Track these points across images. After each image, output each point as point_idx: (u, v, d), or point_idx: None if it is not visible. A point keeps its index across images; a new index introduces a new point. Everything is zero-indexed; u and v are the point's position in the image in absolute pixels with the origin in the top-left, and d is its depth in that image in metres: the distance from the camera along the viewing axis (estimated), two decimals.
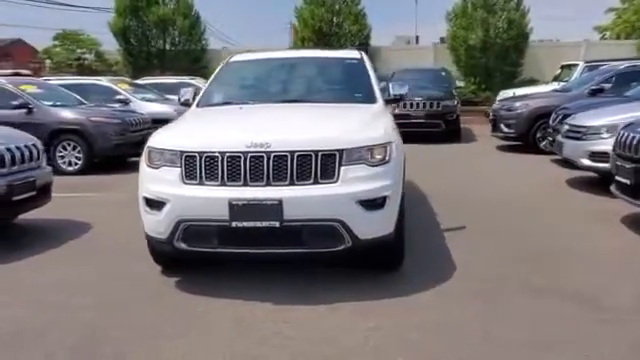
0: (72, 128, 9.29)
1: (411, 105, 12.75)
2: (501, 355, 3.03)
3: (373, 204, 3.68)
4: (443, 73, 14.64)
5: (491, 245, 4.88)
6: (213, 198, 3.57)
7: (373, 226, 3.74)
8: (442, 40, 20.44)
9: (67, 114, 9.40)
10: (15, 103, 9.22)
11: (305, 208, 3.56)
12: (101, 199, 7.31)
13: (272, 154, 3.58)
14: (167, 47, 19.12)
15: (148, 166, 3.89)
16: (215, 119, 4.52)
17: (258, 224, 3.55)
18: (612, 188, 5.42)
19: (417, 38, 32.15)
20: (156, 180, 3.81)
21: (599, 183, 6.76)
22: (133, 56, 19.15)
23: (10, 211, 5.10)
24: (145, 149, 3.97)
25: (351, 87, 5.13)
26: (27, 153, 5.24)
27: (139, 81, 14.19)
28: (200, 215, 3.64)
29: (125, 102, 11.73)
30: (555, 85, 13.55)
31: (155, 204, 3.78)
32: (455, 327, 3.35)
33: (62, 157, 9.31)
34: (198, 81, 14.06)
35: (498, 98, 14.01)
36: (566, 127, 7.43)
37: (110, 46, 20.45)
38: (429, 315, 3.52)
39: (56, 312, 3.64)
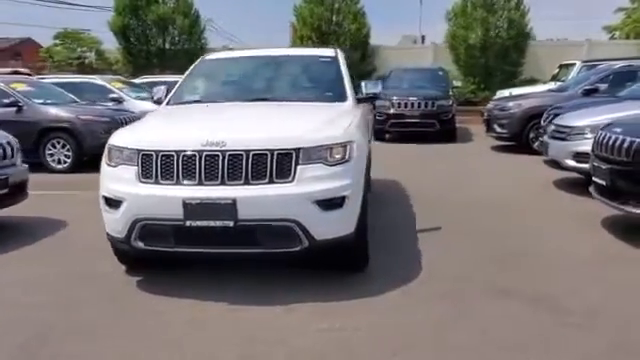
0: (61, 126, 9.31)
1: (405, 105, 12.70)
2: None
3: (330, 204, 3.63)
4: (440, 73, 14.53)
5: (464, 246, 4.83)
6: (167, 197, 3.55)
7: (331, 226, 3.69)
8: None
9: (56, 112, 9.42)
10: (5, 101, 9.26)
11: (260, 208, 3.52)
12: (84, 197, 7.26)
13: (227, 153, 3.54)
14: (167, 46, 19.16)
15: (107, 164, 3.87)
16: (177, 118, 4.50)
17: (212, 223, 3.52)
18: (590, 189, 5.34)
19: (423, 38, 32.04)
20: (114, 179, 3.80)
21: (585, 184, 6.67)
22: (133, 55, 19.19)
23: None
24: (106, 147, 3.95)
25: (322, 85, 5.08)
26: (0, 151, 5.23)
27: (135, 80, 14.22)
28: (155, 214, 3.61)
29: (118, 100, 11.75)
30: (552, 85, 13.42)
31: (113, 203, 3.76)
32: (409, 329, 3.30)
33: (51, 155, 9.33)
34: None
35: (494, 98, 13.90)
36: (552, 127, 7.34)
37: (111, 45, 20.55)
38: (386, 317, 3.47)
39: (10, 310, 3.64)
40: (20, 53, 36.02)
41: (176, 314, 3.55)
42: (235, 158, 3.54)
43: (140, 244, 3.75)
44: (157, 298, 3.81)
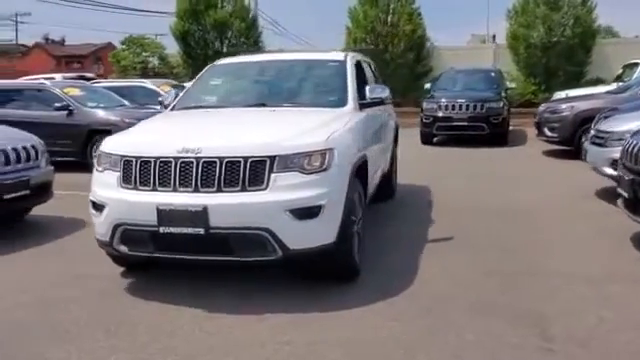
0: (107, 129, 9.67)
1: (453, 107, 12.30)
2: None
3: (305, 213, 3.54)
4: (493, 74, 13.95)
5: (467, 260, 4.57)
6: (143, 203, 3.59)
7: (307, 236, 3.60)
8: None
9: (103, 115, 9.84)
10: (57, 105, 9.79)
11: (231, 216, 3.49)
12: None
13: (201, 160, 3.54)
14: (224, 49, 19.59)
15: (96, 169, 3.97)
16: (167, 124, 4.55)
17: (184, 230, 3.52)
18: (618, 202, 4.92)
19: (494, 37, 30.87)
20: (100, 183, 3.90)
21: None
22: (192, 58, 19.77)
23: (2, 209, 5.36)
24: (97, 152, 4.06)
25: (323, 90, 4.98)
26: (24, 154, 5.51)
27: (186, 83, 14.64)
28: (133, 219, 3.66)
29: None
30: (614, 86, 12.55)
31: (98, 207, 3.86)
32: (378, 347, 3.15)
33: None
34: None
35: (551, 99, 13.18)
36: (592, 132, 6.84)
37: (173, 49, 21.29)
38: (359, 331, 3.34)
39: None
40: (101, 58, 38.15)
41: (147, 318, 3.57)
42: (209, 165, 3.53)
43: (123, 248, 3.83)
44: (135, 301, 3.87)
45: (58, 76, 15.19)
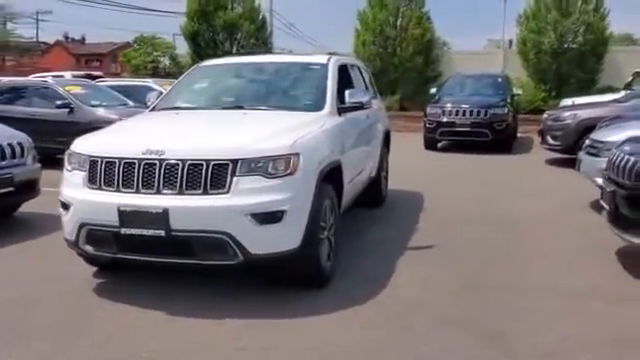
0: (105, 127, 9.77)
1: (457, 112, 12.15)
2: None
3: (268, 218, 3.50)
4: (499, 79, 13.77)
5: (442, 270, 4.48)
6: (105, 203, 3.58)
7: (269, 241, 3.56)
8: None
9: (102, 114, 9.89)
10: (59, 103, 9.89)
11: (191, 219, 3.46)
12: None
13: (164, 162, 3.52)
14: (234, 50, 19.67)
15: (66, 169, 3.98)
16: (139, 125, 4.54)
17: (145, 232, 3.50)
18: (602, 214, 4.80)
19: (510, 42, 30.52)
20: (67, 183, 3.90)
21: None
22: (202, 59, 19.71)
23: None
24: (67, 152, 4.06)
25: (301, 93, 4.93)
26: (8, 151, 5.55)
27: None
28: (96, 220, 3.66)
29: None
30: (622, 94, 12.32)
31: (65, 206, 3.86)
32: (334, 355, 3.11)
33: None
34: None
35: (558, 107, 12.98)
36: (587, 142, 6.70)
37: (184, 50, 21.40)
38: (316, 338, 3.29)
39: None
40: (118, 56, 38.59)
41: (112, 320, 3.56)
42: (172, 167, 3.51)
43: (89, 248, 3.83)
44: (104, 302, 3.85)
45: (67, 74, 15.38)
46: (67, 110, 9.88)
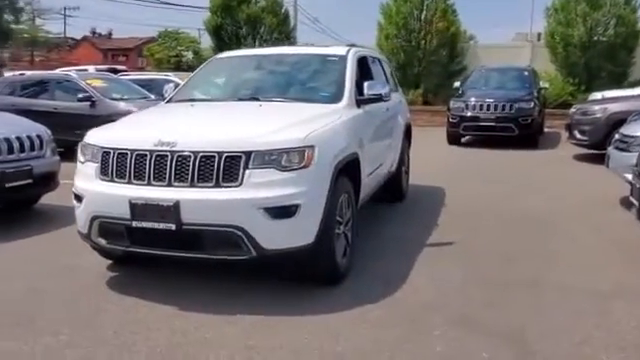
0: None
1: (481, 107, 11.89)
2: None
3: (281, 212, 3.41)
4: (526, 73, 13.41)
5: (461, 268, 4.34)
6: (117, 196, 3.53)
7: (282, 236, 3.46)
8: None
9: (123, 107, 9.90)
10: (81, 96, 9.96)
11: (203, 212, 3.39)
12: None
13: (176, 154, 3.45)
14: (256, 44, 19.61)
15: (79, 160, 3.94)
16: (153, 116, 4.48)
17: (156, 225, 3.44)
18: (632, 211, 4.60)
19: (539, 35, 29.78)
20: (80, 174, 3.87)
21: None
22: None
23: (3, 197, 5.44)
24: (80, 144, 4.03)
25: (319, 85, 4.81)
26: (27, 143, 5.57)
27: None
28: (108, 212, 3.61)
29: None
30: None
31: (77, 198, 3.82)
32: (336, 355, 3.00)
33: None
34: None
35: (587, 100, 12.60)
36: (616, 136, 6.45)
37: (208, 44, 21.42)
38: (324, 338, 3.18)
39: None
40: (144, 51, 38.99)
41: (121, 313, 3.52)
42: (184, 159, 3.44)
43: (102, 241, 3.79)
44: (115, 296, 3.82)
45: (91, 68, 15.53)
46: (89, 103, 9.96)
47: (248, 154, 3.39)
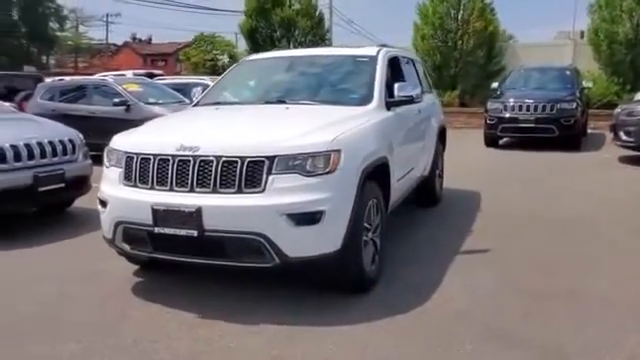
0: None
1: (520, 108, 11.50)
2: None
3: (305, 219, 3.29)
4: (567, 72, 12.93)
5: (498, 276, 4.14)
6: (139, 202, 3.48)
7: (307, 244, 3.35)
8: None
9: (158, 111, 9.94)
10: (116, 101, 10.10)
11: (225, 219, 3.30)
12: None
13: (198, 159, 3.38)
14: (291, 46, 19.61)
15: (104, 165, 3.92)
16: (178, 120, 4.43)
17: (178, 232, 3.37)
18: None
19: (582, 33, 28.84)
20: (105, 179, 3.85)
21: None
22: None
23: (37, 201, 5.51)
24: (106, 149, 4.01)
25: (348, 87, 4.68)
26: (60, 147, 5.62)
27: None
28: (131, 218, 3.57)
29: None
30: None
31: (103, 203, 3.80)
32: None
33: None
34: None
35: (634, 100, 12.05)
36: None
37: (242, 47, 21.58)
38: (348, 349, 3.06)
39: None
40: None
41: (144, 320, 3.48)
42: (206, 164, 3.37)
43: (126, 246, 3.75)
44: (139, 302, 3.78)
45: (128, 72, 15.81)
46: (124, 107, 10.07)
47: (271, 159, 3.29)
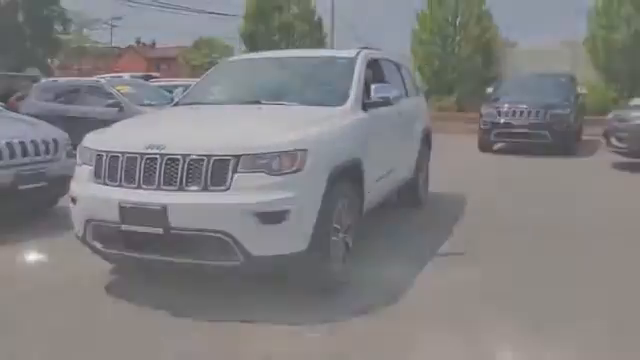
0: None
1: (513, 113, 11.50)
2: None
3: (270, 217, 3.29)
4: (562, 79, 12.92)
5: (471, 279, 4.11)
6: (107, 199, 3.49)
7: (272, 242, 3.34)
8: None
9: (149, 112, 10.04)
10: (109, 102, 10.16)
11: (190, 216, 3.31)
12: None
13: (166, 157, 3.39)
14: None
15: (77, 164, 3.93)
16: (151, 120, 4.46)
17: (144, 229, 3.38)
18: None
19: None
20: (76, 177, 3.87)
21: None
22: None
23: (18, 200, 5.52)
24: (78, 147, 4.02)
25: (324, 88, 4.67)
26: (42, 147, 5.65)
27: None
28: (99, 216, 3.58)
29: None
30: None
31: (73, 201, 3.81)
32: None
33: None
34: None
35: (628, 105, 12.01)
36: None
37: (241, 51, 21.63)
38: (320, 347, 3.06)
39: None
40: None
41: (122, 320, 3.47)
42: (173, 162, 3.38)
43: (98, 245, 3.75)
44: (119, 302, 3.74)
45: (126, 75, 15.88)
46: (117, 109, 10.12)
47: (237, 157, 3.30)
